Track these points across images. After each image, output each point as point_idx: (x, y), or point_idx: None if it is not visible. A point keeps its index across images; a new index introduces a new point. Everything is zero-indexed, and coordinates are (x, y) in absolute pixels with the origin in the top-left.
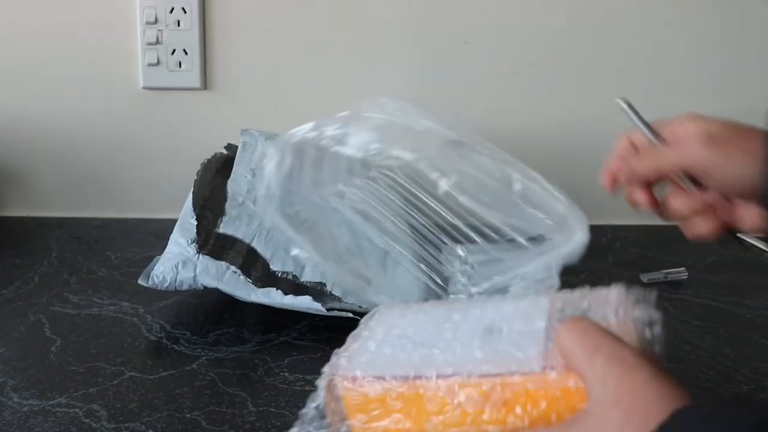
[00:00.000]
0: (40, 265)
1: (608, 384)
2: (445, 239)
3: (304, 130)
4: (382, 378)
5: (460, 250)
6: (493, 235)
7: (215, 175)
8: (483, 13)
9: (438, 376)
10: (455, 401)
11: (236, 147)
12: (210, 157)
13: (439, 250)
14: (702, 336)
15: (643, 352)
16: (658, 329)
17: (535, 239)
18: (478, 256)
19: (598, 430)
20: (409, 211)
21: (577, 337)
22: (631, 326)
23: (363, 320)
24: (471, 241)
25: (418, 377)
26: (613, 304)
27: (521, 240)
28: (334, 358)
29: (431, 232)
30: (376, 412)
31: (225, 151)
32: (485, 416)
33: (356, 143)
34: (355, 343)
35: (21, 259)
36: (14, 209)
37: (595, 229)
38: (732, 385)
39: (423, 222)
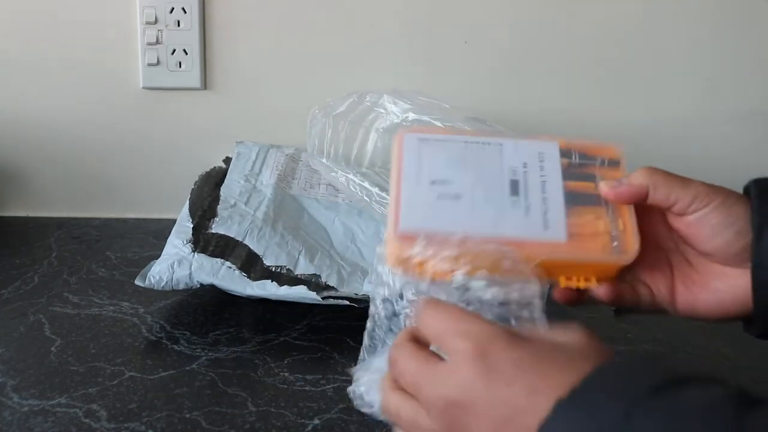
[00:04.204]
0: (40, 265)
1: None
2: None
3: (347, 101)
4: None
5: None
6: None
7: (214, 188)
8: (483, 13)
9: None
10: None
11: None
12: (209, 169)
13: None
14: (702, 336)
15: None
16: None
17: None
18: None
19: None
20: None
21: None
22: None
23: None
24: None
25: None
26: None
27: None
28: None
29: None
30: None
31: (223, 165)
32: None
33: (395, 110)
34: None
35: (20, 259)
36: (14, 209)
37: None
38: None
39: None
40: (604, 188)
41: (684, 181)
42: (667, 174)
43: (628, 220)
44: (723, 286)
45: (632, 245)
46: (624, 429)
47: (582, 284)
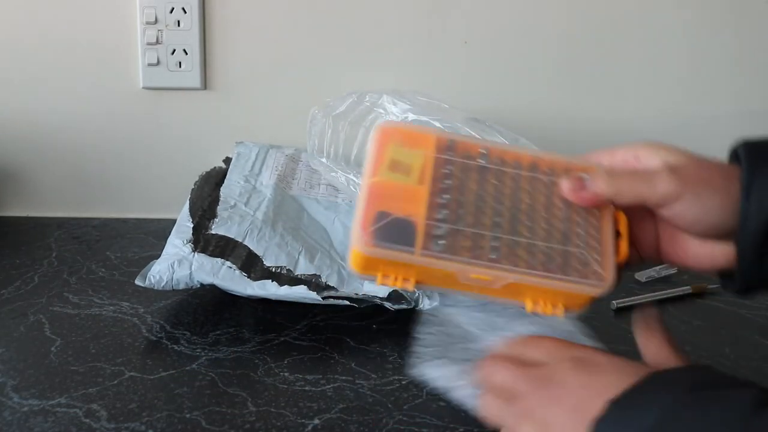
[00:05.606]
0: (40, 265)
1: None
2: None
3: (347, 101)
4: None
5: None
6: None
7: (214, 189)
8: (483, 13)
9: None
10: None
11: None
12: (209, 169)
13: None
14: (702, 336)
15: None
16: None
17: None
18: None
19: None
20: None
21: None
22: None
23: None
24: None
25: None
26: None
27: None
28: None
29: None
30: None
31: (223, 165)
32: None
33: (394, 110)
34: None
35: (21, 259)
36: (14, 209)
37: None
38: None
39: None
40: (565, 188)
41: (650, 177)
42: (631, 175)
43: (608, 244)
44: (710, 249)
45: (608, 275)
46: (668, 415)
47: (549, 311)
